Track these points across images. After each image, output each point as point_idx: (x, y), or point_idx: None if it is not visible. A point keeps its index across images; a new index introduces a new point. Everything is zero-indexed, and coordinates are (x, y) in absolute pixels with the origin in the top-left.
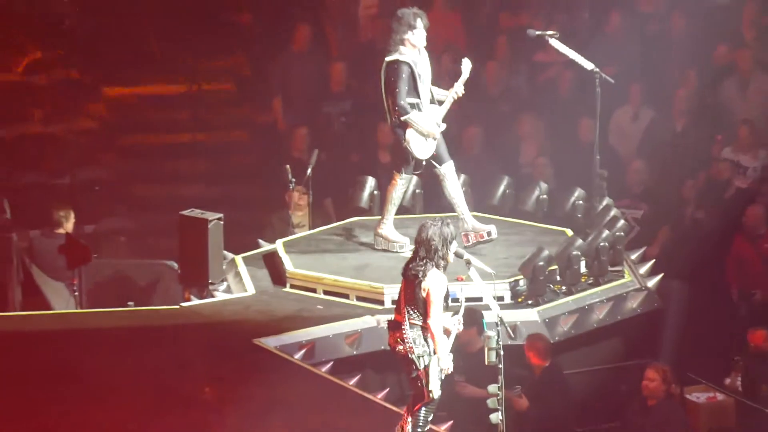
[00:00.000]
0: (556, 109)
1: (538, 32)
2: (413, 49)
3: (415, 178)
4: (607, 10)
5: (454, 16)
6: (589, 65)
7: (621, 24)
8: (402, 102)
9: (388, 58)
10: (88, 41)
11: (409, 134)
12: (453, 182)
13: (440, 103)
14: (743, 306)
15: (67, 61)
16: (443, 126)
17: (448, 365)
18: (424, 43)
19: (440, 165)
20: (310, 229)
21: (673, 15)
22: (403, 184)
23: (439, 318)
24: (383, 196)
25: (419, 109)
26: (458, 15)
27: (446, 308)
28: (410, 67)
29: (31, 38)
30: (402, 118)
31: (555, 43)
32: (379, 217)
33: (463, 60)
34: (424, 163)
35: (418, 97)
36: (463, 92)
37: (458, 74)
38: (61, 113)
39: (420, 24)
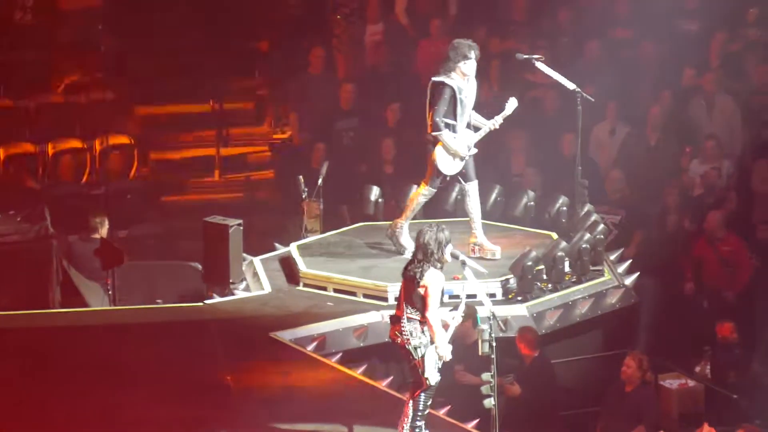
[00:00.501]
0: (543, 125)
1: (525, 56)
2: (462, 76)
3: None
4: (586, 37)
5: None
6: (571, 85)
7: (599, 49)
8: (437, 119)
9: (434, 79)
10: (122, 65)
11: (438, 150)
12: (474, 200)
13: (476, 129)
14: (704, 301)
15: (104, 83)
16: (474, 150)
17: (447, 354)
18: (474, 73)
19: (466, 182)
20: (321, 233)
21: (644, 41)
22: (426, 195)
23: (436, 311)
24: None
25: (453, 131)
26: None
27: (442, 304)
28: (453, 90)
29: (70, 62)
30: (433, 134)
31: (540, 65)
32: (388, 222)
33: (510, 98)
34: (448, 178)
35: (455, 120)
36: (501, 125)
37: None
38: (98, 130)
39: (473, 55)
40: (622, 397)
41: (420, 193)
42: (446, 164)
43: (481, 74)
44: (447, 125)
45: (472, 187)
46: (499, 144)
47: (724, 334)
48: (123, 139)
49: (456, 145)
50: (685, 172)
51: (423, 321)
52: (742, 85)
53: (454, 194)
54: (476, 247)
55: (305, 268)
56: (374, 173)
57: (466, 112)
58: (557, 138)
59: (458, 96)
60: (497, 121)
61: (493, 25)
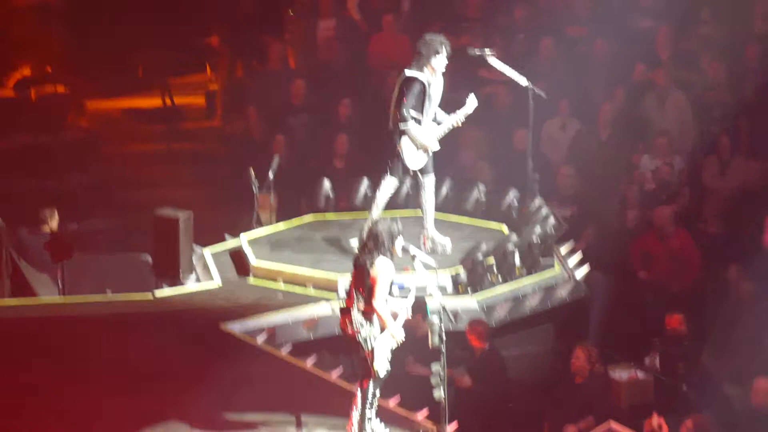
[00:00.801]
0: (495, 121)
1: (478, 51)
2: (432, 71)
3: (367, 180)
4: (540, 34)
5: (403, 38)
6: (523, 81)
7: (553, 46)
8: (405, 111)
9: (408, 74)
10: (73, 59)
11: (404, 142)
12: (429, 193)
13: (438, 124)
14: (649, 295)
15: (54, 77)
16: (437, 146)
17: (400, 336)
18: (443, 69)
19: (423, 176)
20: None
21: (598, 38)
22: (390, 187)
23: (383, 299)
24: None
25: (419, 124)
26: (406, 38)
27: (392, 296)
28: (423, 85)
29: (21, 56)
30: (400, 125)
31: (493, 60)
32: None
33: (469, 95)
34: (411, 172)
35: (422, 114)
36: (463, 122)
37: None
38: (48, 124)
39: (444, 50)
40: (572, 390)
41: (383, 188)
42: (412, 158)
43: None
44: (414, 120)
45: (429, 181)
46: (450, 137)
47: (673, 326)
48: (74, 134)
49: (424, 138)
50: (636, 168)
51: (371, 311)
52: (694, 80)
53: (405, 188)
54: (427, 240)
55: (255, 260)
56: (325, 168)
57: (432, 108)
58: (509, 133)
59: (427, 91)
60: (459, 117)
61: (446, 22)
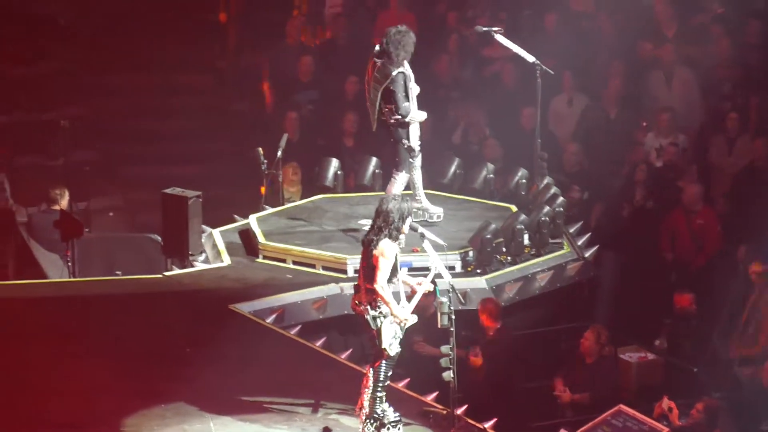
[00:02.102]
0: (502, 98)
1: (484, 28)
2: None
3: (375, 159)
4: (545, 10)
5: (409, 15)
6: (530, 58)
7: (557, 21)
8: (404, 109)
9: (394, 72)
10: (81, 37)
11: (412, 130)
12: (418, 168)
13: None
14: (672, 273)
15: (63, 55)
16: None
17: (406, 317)
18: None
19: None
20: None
21: (603, 13)
22: (404, 183)
23: (384, 280)
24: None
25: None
26: (412, 15)
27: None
28: (405, 75)
29: (30, 35)
30: (407, 119)
31: (500, 38)
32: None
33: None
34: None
35: (409, 100)
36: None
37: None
38: (57, 102)
39: (412, 42)
40: (580, 369)
41: (395, 183)
42: (416, 140)
43: (441, 48)
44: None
45: (418, 157)
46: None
47: (683, 305)
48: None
49: (419, 113)
50: (640, 146)
51: (373, 290)
52: (701, 57)
53: (370, 168)
54: (421, 212)
55: (264, 240)
56: (333, 146)
57: (415, 91)
58: (517, 111)
59: (408, 83)
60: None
61: None
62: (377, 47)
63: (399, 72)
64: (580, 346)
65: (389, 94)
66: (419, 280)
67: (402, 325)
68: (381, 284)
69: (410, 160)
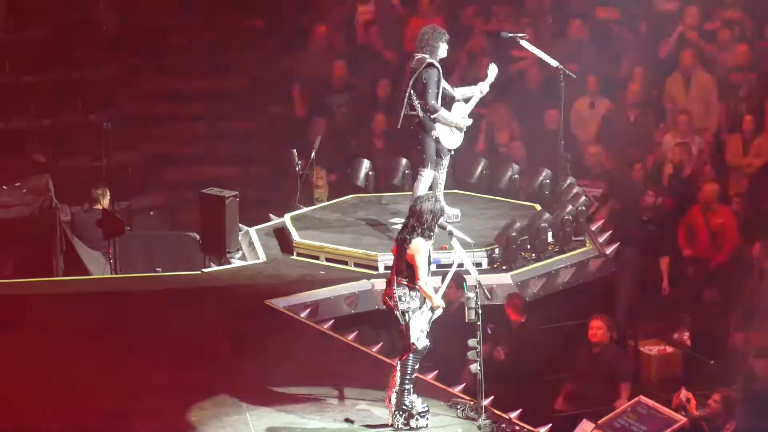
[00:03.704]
0: (527, 101)
1: (510, 34)
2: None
3: (405, 160)
4: (568, 15)
5: (438, 20)
6: (554, 63)
7: (580, 27)
8: (433, 103)
9: (428, 59)
10: (123, 43)
11: (439, 129)
12: (444, 168)
13: (466, 100)
14: (689, 268)
15: (104, 59)
16: (469, 120)
17: (441, 303)
18: (446, 55)
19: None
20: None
21: (624, 20)
22: (430, 180)
23: (425, 276)
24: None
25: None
26: (440, 20)
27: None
28: (439, 71)
29: (74, 40)
30: (432, 116)
31: (525, 43)
32: (378, 194)
33: (490, 65)
34: (452, 153)
35: (443, 98)
36: (487, 91)
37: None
38: (99, 105)
39: (446, 38)
40: (593, 360)
41: (421, 180)
42: (450, 140)
43: (468, 52)
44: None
45: (447, 157)
46: (484, 117)
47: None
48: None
49: (455, 117)
50: (658, 146)
51: (411, 286)
52: (720, 61)
53: (401, 168)
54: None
55: (298, 238)
56: (364, 147)
57: (447, 90)
58: (541, 113)
59: (440, 82)
60: (485, 87)
61: (480, 4)
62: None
63: (435, 67)
64: (592, 336)
65: (421, 87)
66: (445, 270)
67: (436, 314)
68: (423, 280)
69: (438, 157)
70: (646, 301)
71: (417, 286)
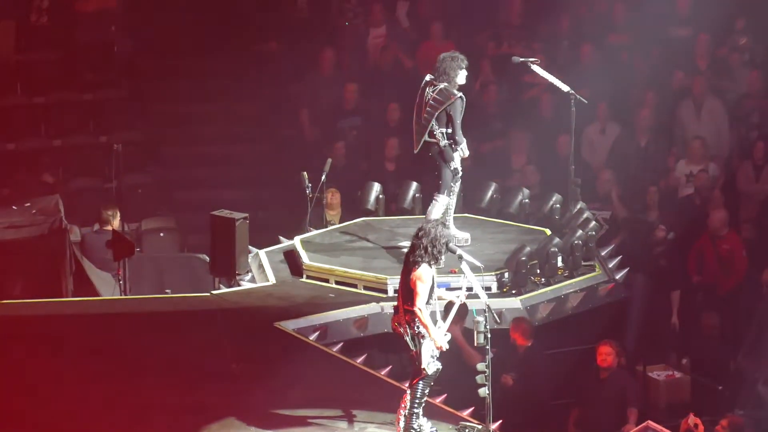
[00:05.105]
0: (539, 127)
1: (521, 59)
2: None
3: (415, 184)
4: (581, 41)
5: (449, 44)
6: (565, 88)
7: (593, 53)
8: (460, 135)
9: (457, 94)
10: (134, 64)
11: (457, 157)
12: (455, 193)
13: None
14: (698, 294)
15: (116, 82)
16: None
17: (442, 342)
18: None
19: None
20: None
21: (638, 46)
22: (444, 207)
23: (423, 304)
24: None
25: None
26: (451, 44)
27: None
28: (464, 104)
29: (85, 62)
30: (460, 147)
31: (536, 68)
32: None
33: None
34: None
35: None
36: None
37: None
38: (110, 127)
39: (465, 66)
40: (600, 385)
41: (436, 205)
42: (458, 163)
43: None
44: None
45: (458, 183)
46: (499, 142)
47: (710, 324)
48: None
49: (467, 149)
50: (671, 172)
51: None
52: (731, 88)
53: (411, 192)
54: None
55: (308, 261)
56: (375, 170)
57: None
58: (553, 139)
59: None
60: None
61: (492, 29)
62: (428, 76)
63: (459, 97)
64: (602, 362)
65: (446, 118)
66: (456, 293)
67: (439, 349)
68: (419, 306)
69: (452, 183)
70: (654, 332)
71: (413, 311)
